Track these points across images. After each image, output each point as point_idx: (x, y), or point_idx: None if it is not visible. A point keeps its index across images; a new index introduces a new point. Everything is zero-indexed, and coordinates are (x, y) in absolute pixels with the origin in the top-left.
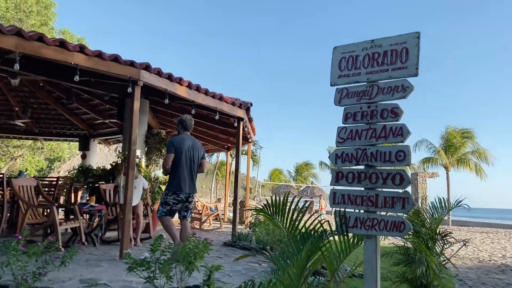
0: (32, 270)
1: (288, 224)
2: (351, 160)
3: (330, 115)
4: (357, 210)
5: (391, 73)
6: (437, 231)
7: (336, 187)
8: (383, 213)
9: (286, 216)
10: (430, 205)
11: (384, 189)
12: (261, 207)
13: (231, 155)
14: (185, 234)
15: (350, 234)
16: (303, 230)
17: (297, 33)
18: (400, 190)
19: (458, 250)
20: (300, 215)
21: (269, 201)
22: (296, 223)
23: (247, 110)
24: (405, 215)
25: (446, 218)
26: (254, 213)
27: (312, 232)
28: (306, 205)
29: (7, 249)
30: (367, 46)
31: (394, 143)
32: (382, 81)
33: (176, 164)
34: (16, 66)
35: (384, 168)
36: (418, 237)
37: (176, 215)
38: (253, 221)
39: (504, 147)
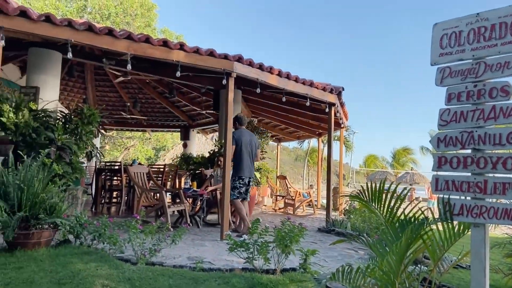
0: (149, 247)
1: (385, 211)
2: (455, 144)
3: (431, 96)
4: (462, 197)
5: (500, 48)
6: None
7: (439, 173)
8: (492, 200)
9: (383, 202)
10: None
11: (494, 175)
12: (356, 194)
13: (322, 141)
14: (244, 210)
15: (455, 222)
16: (402, 217)
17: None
18: None
19: None
20: (399, 201)
21: (364, 188)
22: (394, 210)
23: (339, 94)
24: None
25: None
26: (348, 199)
27: (412, 220)
28: (405, 192)
29: (128, 228)
30: (472, 21)
31: (505, 125)
32: (490, 57)
33: (238, 153)
34: (129, 67)
35: (494, 151)
36: None
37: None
38: (347, 208)
39: None
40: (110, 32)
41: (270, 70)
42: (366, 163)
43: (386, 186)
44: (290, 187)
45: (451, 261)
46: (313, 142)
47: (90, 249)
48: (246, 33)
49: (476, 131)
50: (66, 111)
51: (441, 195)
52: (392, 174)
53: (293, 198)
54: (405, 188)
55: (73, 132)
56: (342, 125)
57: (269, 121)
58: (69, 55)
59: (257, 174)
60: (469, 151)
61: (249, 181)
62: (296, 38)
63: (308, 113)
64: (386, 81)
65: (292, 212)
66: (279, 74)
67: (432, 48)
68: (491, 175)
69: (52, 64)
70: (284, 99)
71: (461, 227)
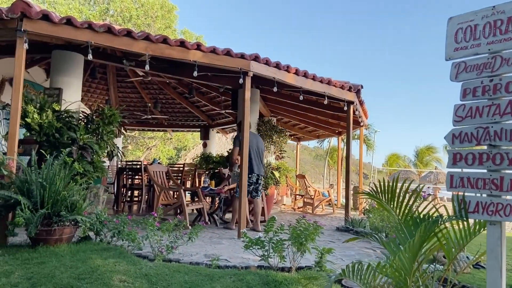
0: (166, 244)
1: (398, 209)
2: (470, 140)
3: (435, 96)
4: (478, 194)
5: None
6: None
7: (454, 170)
8: (509, 197)
9: (396, 200)
10: None
11: (511, 171)
12: (369, 191)
13: (342, 140)
14: (257, 209)
15: (471, 220)
16: (416, 214)
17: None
18: None
19: None
20: (413, 199)
21: (377, 185)
22: (408, 207)
23: (358, 92)
24: None
25: None
26: (365, 197)
27: (426, 217)
28: (419, 188)
29: (146, 225)
30: (488, 14)
31: None
32: (506, 51)
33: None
34: (147, 67)
35: (510, 147)
36: None
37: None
38: (367, 207)
39: None
40: (128, 33)
41: (287, 68)
42: (388, 162)
43: (399, 184)
44: (309, 186)
45: (469, 260)
46: (334, 141)
47: (109, 245)
48: (257, 34)
49: (492, 126)
50: (88, 112)
51: (456, 192)
52: (415, 174)
53: (312, 197)
54: (419, 185)
55: (94, 132)
56: (362, 124)
57: (288, 120)
58: (89, 56)
59: (276, 173)
60: (484, 147)
61: (257, 179)
62: (300, 38)
63: (327, 112)
64: (389, 80)
65: (311, 211)
66: (296, 72)
67: (446, 42)
68: (507, 171)
69: (74, 66)
70: (301, 98)
71: (477, 225)
